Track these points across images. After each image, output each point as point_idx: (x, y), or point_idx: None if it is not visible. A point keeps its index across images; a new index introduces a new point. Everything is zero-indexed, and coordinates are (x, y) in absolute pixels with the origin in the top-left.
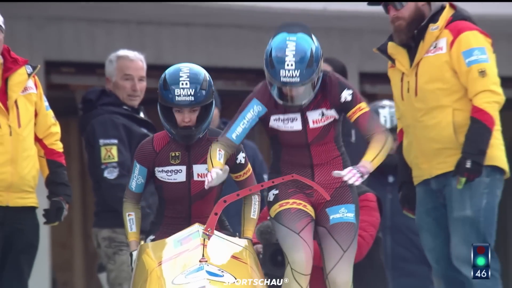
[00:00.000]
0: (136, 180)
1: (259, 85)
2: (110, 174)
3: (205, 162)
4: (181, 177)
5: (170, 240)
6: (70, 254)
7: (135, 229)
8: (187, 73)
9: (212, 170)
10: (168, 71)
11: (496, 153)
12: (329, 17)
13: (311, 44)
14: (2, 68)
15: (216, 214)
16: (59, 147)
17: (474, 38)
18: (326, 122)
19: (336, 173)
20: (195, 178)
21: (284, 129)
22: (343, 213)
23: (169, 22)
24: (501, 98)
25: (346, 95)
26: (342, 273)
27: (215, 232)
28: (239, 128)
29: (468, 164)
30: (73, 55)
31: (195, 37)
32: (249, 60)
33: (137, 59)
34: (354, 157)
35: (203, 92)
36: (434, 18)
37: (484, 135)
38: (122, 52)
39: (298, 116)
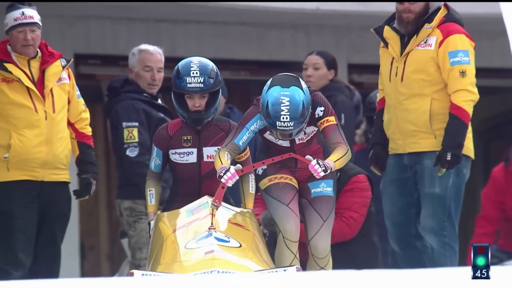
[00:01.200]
0: (155, 161)
1: (257, 102)
2: (132, 152)
3: (213, 144)
4: (192, 158)
5: (183, 210)
6: (96, 222)
7: (154, 202)
8: (197, 64)
9: (231, 170)
10: (180, 63)
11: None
12: (321, 15)
13: (302, 96)
14: (40, 61)
15: (223, 187)
16: (88, 130)
17: (460, 41)
18: (309, 137)
19: (308, 157)
20: (205, 159)
21: (276, 142)
22: (323, 188)
23: (182, 20)
24: (476, 97)
25: (318, 112)
26: (322, 240)
27: (222, 203)
28: (244, 137)
29: (449, 157)
30: (98, 49)
31: (205, 33)
32: (252, 53)
33: (156, 52)
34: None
35: (211, 80)
36: (430, 18)
37: (461, 131)
38: (144, 46)
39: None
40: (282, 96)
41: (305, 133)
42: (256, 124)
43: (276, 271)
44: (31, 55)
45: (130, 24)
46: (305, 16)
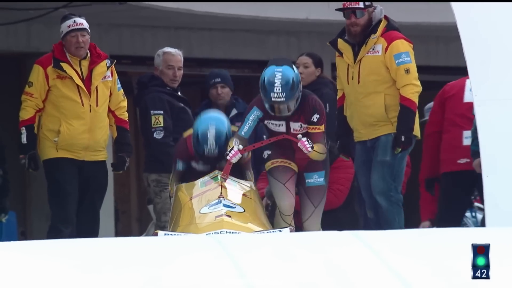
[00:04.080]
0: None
1: (257, 97)
2: (158, 135)
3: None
4: (207, 168)
5: (198, 182)
6: (127, 191)
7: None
8: (213, 136)
9: (235, 148)
10: (200, 130)
11: None
12: (310, 24)
13: (293, 73)
14: (89, 61)
15: (230, 163)
16: (125, 116)
17: (401, 45)
18: (304, 131)
19: (298, 136)
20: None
21: (274, 129)
22: (315, 179)
23: (197, 27)
24: (419, 88)
25: (314, 118)
26: (313, 224)
27: (229, 176)
28: (246, 127)
29: (403, 139)
30: (129, 51)
31: (215, 38)
32: (253, 54)
33: (177, 54)
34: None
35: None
36: (374, 29)
37: (411, 117)
38: (167, 49)
39: (283, 123)
40: (276, 72)
41: (301, 127)
42: (253, 115)
43: (273, 231)
44: (82, 55)
45: (155, 31)
46: (297, 24)
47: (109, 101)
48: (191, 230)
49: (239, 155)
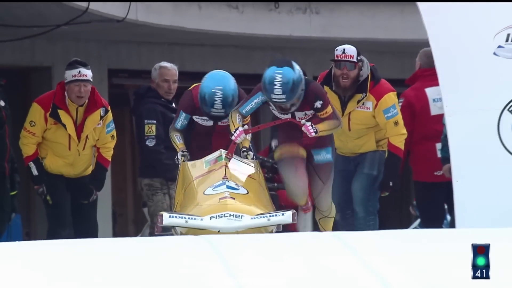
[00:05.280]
0: (181, 122)
1: (261, 83)
2: (150, 143)
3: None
4: (209, 123)
5: (202, 161)
6: (124, 195)
7: (182, 141)
8: (220, 98)
9: (240, 128)
10: (207, 94)
11: None
12: (293, 40)
13: (293, 75)
14: (85, 108)
15: (234, 143)
16: (108, 156)
17: (389, 100)
18: (308, 118)
19: (303, 121)
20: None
21: (278, 116)
22: (324, 155)
23: (189, 43)
24: (406, 135)
25: (317, 104)
26: (323, 200)
27: (234, 156)
28: (248, 107)
29: (390, 184)
30: (126, 65)
31: (206, 53)
32: (242, 68)
33: (172, 68)
34: None
35: (230, 109)
36: (363, 87)
37: (398, 164)
38: (163, 63)
39: (288, 112)
40: (276, 74)
41: (305, 114)
42: (258, 99)
43: (275, 215)
44: (82, 104)
45: (150, 46)
46: (281, 41)
47: (97, 139)
48: (195, 212)
49: (244, 135)
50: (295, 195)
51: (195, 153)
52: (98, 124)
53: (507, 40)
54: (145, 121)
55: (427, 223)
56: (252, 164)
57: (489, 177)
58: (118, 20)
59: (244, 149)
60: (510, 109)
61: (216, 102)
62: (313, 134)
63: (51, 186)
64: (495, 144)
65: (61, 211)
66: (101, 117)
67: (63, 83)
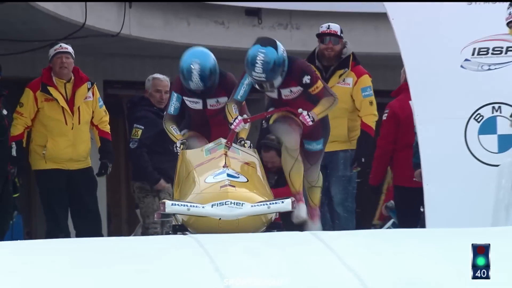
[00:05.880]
0: (174, 105)
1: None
2: (133, 145)
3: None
4: (199, 105)
5: (203, 149)
6: (118, 196)
7: (178, 132)
8: (198, 71)
9: (239, 117)
10: (185, 69)
11: None
12: None
13: (275, 56)
14: (73, 84)
15: (234, 132)
16: (107, 129)
17: (367, 80)
18: (295, 95)
19: (300, 110)
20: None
21: (267, 93)
22: (314, 146)
23: (179, 56)
24: (377, 117)
25: (306, 79)
26: (310, 175)
27: (233, 144)
28: (242, 91)
29: (363, 160)
30: (120, 77)
31: None
32: None
33: (164, 79)
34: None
35: (208, 82)
36: (346, 63)
37: (370, 142)
38: (156, 75)
39: (274, 89)
40: (259, 52)
41: (291, 91)
42: (247, 80)
43: (275, 202)
44: (66, 76)
45: (142, 59)
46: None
47: (93, 117)
48: (197, 200)
49: (243, 124)
50: (286, 142)
51: (194, 143)
52: (88, 98)
53: (473, 54)
54: (134, 124)
55: (403, 224)
56: (251, 153)
57: (457, 181)
58: (113, 35)
59: (241, 139)
60: (476, 118)
61: (193, 76)
62: (310, 123)
63: (50, 183)
64: (462, 150)
65: (58, 215)
66: (88, 89)
67: (48, 66)
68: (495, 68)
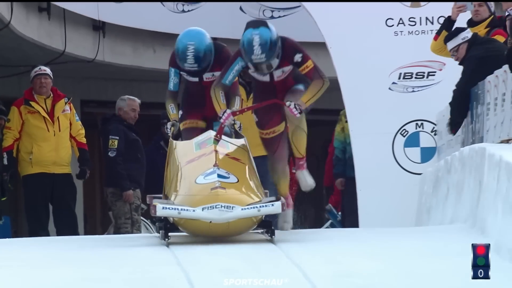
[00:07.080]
0: (173, 81)
1: (238, 49)
2: (112, 154)
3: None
4: (195, 78)
5: (192, 143)
6: (93, 201)
7: (175, 112)
8: (192, 52)
9: (228, 111)
10: (180, 49)
11: None
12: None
13: (269, 33)
14: (52, 100)
15: (223, 126)
16: (84, 141)
17: None
18: (286, 75)
19: (287, 102)
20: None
21: (258, 78)
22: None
23: (146, 79)
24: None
25: (297, 58)
26: (275, 163)
27: (223, 137)
28: (230, 76)
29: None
30: (95, 97)
31: (160, 88)
32: None
33: (137, 101)
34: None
35: (203, 63)
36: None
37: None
38: (131, 97)
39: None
40: (253, 35)
41: (283, 72)
42: (238, 65)
43: (265, 205)
44: (45, 94)
45: (114, 82)
46: None
47: (70, 130)
48: (187, 202)
49: (232, 118)
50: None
51: (190, 112)
52: (66, 110)
53: (399, 78)
54: (110, 136)
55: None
56: (239, 143)
57: (386, 187)
58: (89, 61)
59: (233, 121)
60: (402, 133)
61: (188, 57)
62: (298, 115)
63: (35, 186)
64: (390, 161)
65: (40, 215)
66: (66, 103)
67: (30, 87)
68: (418, 90)
